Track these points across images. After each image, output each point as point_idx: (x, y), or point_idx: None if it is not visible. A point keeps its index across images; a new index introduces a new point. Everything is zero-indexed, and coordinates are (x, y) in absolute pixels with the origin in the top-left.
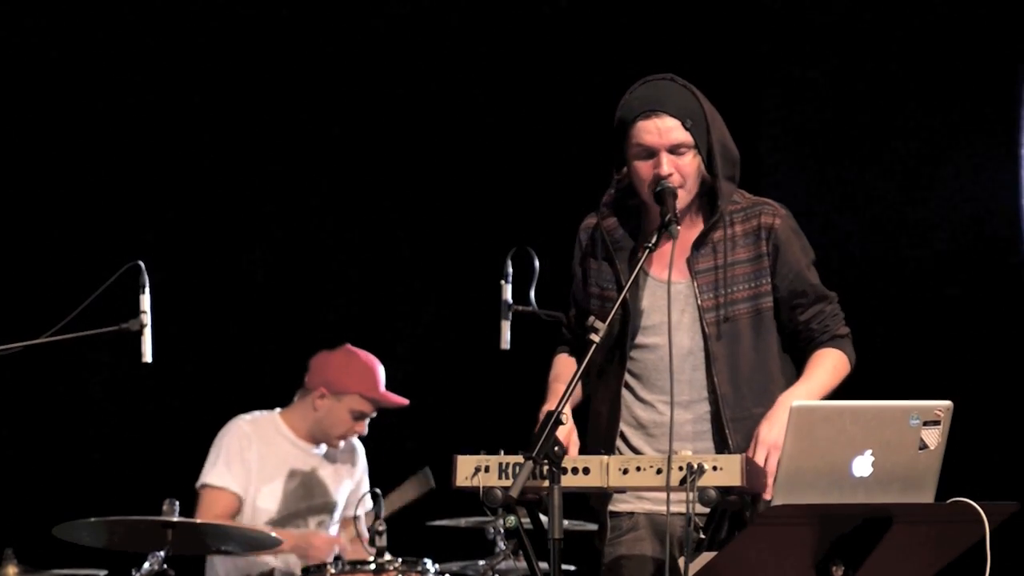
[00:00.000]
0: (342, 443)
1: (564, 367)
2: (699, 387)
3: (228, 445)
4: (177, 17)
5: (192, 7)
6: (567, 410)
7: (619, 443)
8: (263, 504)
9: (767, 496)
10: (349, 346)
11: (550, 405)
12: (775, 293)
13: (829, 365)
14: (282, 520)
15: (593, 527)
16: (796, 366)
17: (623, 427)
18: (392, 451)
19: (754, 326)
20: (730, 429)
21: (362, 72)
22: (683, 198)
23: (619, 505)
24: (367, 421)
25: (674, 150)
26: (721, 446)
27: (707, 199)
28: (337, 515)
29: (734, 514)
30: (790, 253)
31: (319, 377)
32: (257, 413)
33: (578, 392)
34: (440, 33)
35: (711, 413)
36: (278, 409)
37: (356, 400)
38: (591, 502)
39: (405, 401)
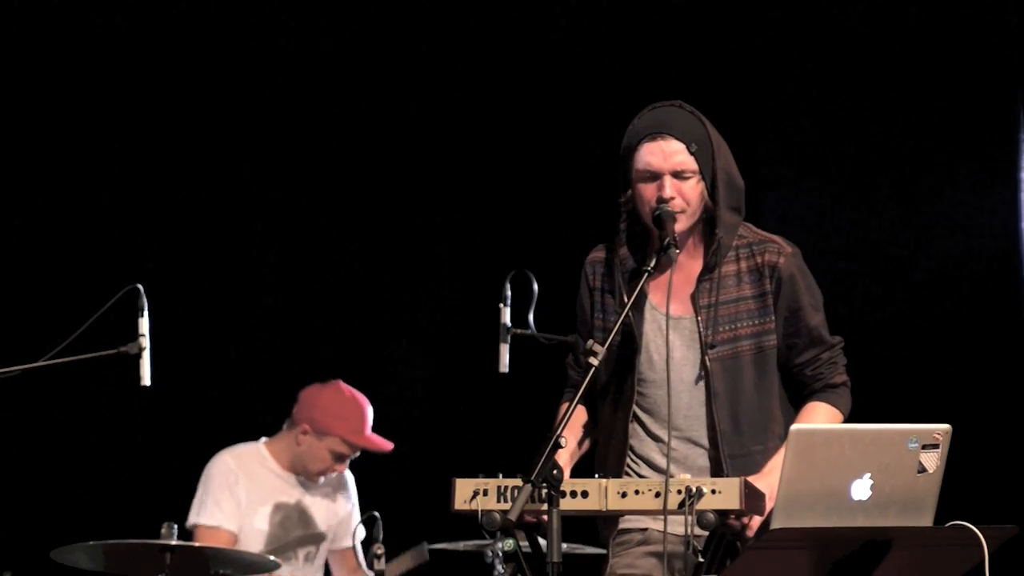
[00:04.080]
0: (322, 479)
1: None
2: (701, 423)
3: (216, 482)
4: (176, 43)
5: (192, 33)
6: (567, 433)
7: (628, 474)
8: (252, 537)
9: (751, 534)
10: (340, 384)
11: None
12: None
13: (816, 422)
14: (272, 552)
15: (591, 550)
16: (794, 407)
17: (631, 460)
18: (390, 474)
19: (756, 364)
20: (728, 466)
21: (361, 96)
22: (684, 223)
23: (631, 522)
24: (347, 462)
25: (678, 174)
26: None
27: (709, 228)
28: (324, 546)
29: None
30: (791, 292)
31: (305, 412)
32: (240, 447)
33: (579, 425)
34: (439, 57)
35: (710, 449)
36: (263, 439)
37: (337, 442)
38: (601, 534)
39: (389, 446)
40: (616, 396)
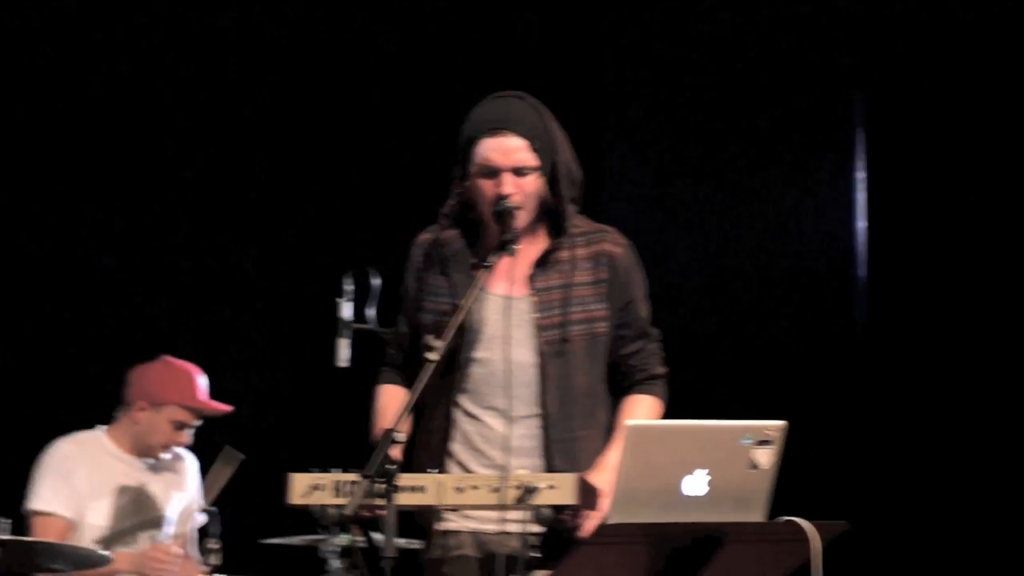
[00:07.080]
0: (167, 454)
1: (390, 400)
2: (529, 403)
3: (53, 468)
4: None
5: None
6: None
7: (448, 459)
8: (93, 522)
9: (586, 533)
10: (166, 357)
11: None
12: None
13: (644, 416)
14: (112, 537)
15: None
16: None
17: (455, 442)
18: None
19: (587, 349)
20: (553, 449)
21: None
22: (522, 218)
23: (443, 524)
24: (189, 431)
25: (518, 171)
26: (545, 465)
27: (548, 219)
28: (168, 529)
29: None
30: (626, 282)
31: (138, 390)
32: (79, 434)
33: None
34: (298, 48)
35: (539, 430)
36: (102, 427)
37: (175, 410)
38: (416, 518)
39: (228, 408)
40: (439, 376)
